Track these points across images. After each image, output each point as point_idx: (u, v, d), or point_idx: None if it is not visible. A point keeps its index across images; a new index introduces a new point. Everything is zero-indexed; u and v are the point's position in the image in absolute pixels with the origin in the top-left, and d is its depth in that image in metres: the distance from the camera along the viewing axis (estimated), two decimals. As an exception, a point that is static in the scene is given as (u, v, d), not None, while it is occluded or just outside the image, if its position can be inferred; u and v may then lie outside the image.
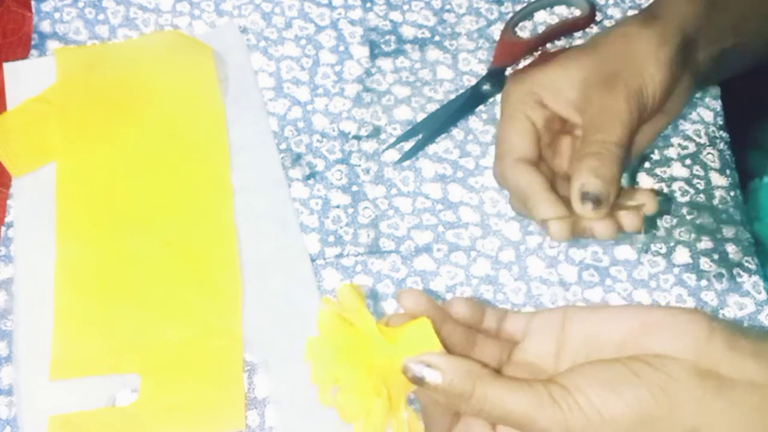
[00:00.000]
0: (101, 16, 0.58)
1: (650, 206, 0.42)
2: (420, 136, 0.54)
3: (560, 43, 0.57)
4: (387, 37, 0.57)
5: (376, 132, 0.54)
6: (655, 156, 0.53)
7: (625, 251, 0.50)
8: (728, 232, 0.50)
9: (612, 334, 0.36)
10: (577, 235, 0.42)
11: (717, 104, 0.55)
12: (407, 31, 0.58)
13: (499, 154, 0.46)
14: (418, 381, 0.34)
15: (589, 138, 0.42)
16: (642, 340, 0.35)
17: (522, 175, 0.43)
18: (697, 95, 0.55)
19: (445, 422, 0.37)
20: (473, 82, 0.55)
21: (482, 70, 0.56)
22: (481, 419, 0.35)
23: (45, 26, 0.57)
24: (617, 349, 0.35)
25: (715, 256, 0.50)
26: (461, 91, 0.55)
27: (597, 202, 0.40)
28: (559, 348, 0.38)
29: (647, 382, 0.32)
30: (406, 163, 0.53)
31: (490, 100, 0.55)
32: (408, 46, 0.57)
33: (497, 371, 0.35)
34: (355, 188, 0.52)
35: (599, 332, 0.36)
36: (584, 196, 0.40)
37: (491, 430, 0.36)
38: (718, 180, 0.52)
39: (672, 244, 0.50)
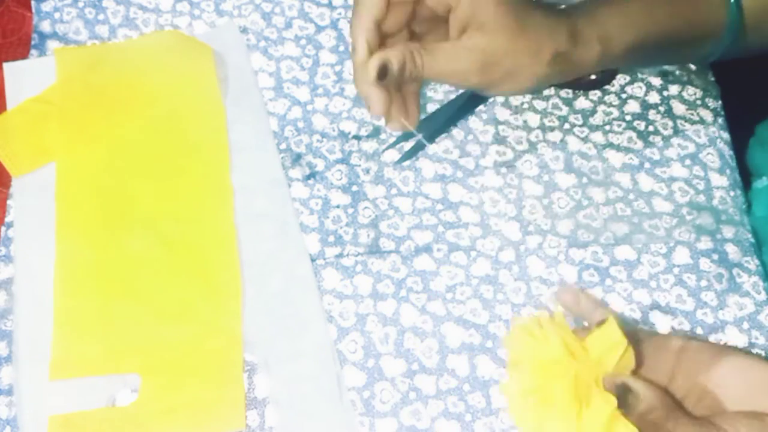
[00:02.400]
0: (101, 16, 0.58)
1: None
2: (420, 136, 0.54)
3: (560, 43, 0.57)
4: (387, 37, 0.57)
5: (376, 132, 0.54)
6: (655, 156, 0.53)
7: (625, 251, 0.50)
8: (728, 232, 0.50)
9: (734, 384, 0.39)
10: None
11: (717, 104, 0.55)
12: (407, 31, 0.58)
13: (354, 13, 0.45)
14: (618, 402, 0.36)
15: (432, 53, 0.44)
16: (757, 400, 0.38)
17: (359, 32, 0.44)
18: (698, 95, 0.55)
19: None
20: (473, 82, 0.55)
21: (482, 70, 0.56)
22: None
23: (45, 26, 0.57)
24: (738, 402, 0.38)
25: (715, 256, 0.50)
26: (461, 91, 0.55)
27: (383, 74, 0.42)
28: (673, 377, 0.40)
29: None
30: (406, 163, 0.53)
31: (490, 100, 0.55)
32: (408, 46, 0.57)
33: None
34: (355, 188, 0.52)
35: (720, 378, 0.39)
36: (382, 64, 0.42)
37: None
38: (718, 180, 0.52)
39: (672, 244, 0.50)
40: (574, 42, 0.45)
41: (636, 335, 0.41)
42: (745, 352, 0.46)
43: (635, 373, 0.39)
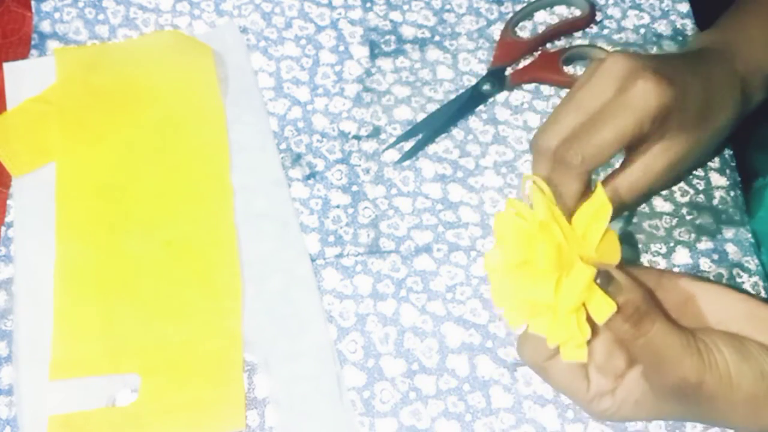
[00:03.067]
0: (101, 16, 0.58)
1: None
2: (420, 136, 0.54)
3: (560, 43, 0.57)
4: (387, 37, 0.57)
5: (376, 132, 0.54)
6: (655, 156, 0.53)
7: (624, 251, 0.50)
8: (728, 232, 0.50)
9: (714, 311, 0.39)
10: None
11: (717, 104, 0.55)
12: (407, 31, 0.58)
13: (587, 151, 0.41)
14: (602, 285, 0.36)
15: (622, 180, 0.42)
16: (747, 328, 0.38)
17: (576, 186, 0.41)
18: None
19: None
20: (473, 82, 0.55)
21: (482, 70, 0.56)
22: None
23: (45, 26, 0.57)
24: (717, 325, 0.38)
25: (715, 256, 0.50)
26: (461, 91, 0.55)
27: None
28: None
29: (766, 361, 0.36)
30: (406, 163, 0.53)
31: (490, 100, 0.55)
32: (408, 46, 0.57)
33: None
34: (355, 188, 0.52)
35: (701, 304, 0.39)
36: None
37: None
38: (718, 180, 0.52)
39: (672, 244, 0.50)
40: (746, 102, 0.45)
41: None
42: (724, 284, 0.47)
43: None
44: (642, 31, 0.57)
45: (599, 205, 0.38)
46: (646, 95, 0.40)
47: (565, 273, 0.36)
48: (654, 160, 0.42)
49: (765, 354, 0.36)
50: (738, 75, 0.45)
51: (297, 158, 0.53)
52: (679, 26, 0.57)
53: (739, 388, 0.35)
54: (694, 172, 0.52)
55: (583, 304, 0.36)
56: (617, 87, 0.41)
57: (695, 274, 0.47)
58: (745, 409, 0.36)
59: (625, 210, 0.44)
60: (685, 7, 0.58)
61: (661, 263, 0.49)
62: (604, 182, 0.43)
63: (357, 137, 0.54)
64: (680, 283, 0.40)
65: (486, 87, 0.55)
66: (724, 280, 0.49)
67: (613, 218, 0.39)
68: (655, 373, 0.36)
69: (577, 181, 0.40)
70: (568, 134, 0.41)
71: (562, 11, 0.58)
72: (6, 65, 0.56)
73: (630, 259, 0.50)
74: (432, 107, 0.55)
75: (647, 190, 0.43)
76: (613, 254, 0.38)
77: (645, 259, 0.50)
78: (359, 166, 0.53)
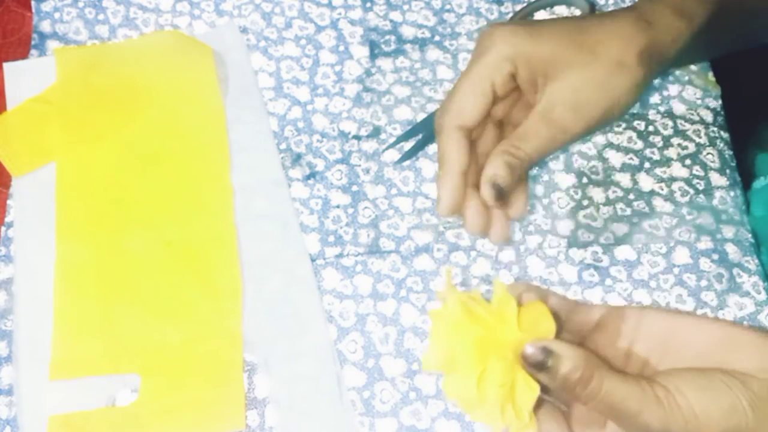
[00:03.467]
0: (101, 16, 0.58)
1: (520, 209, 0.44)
2: (420, 136, 0.54)
3: (560, 43, 0.57)
4: (387, 37, 0.57)
5: (376, 132, 0.54)
6: (655, 156, 0.53)
7: (625, 251, 0.50)
8: (728, 232, 0.50)
9: (692, 343, 0.37)
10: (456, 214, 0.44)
11: (717, 104, 0.55)
12: (407, 31, 0.58)
13: (444, 107, 0.44)
14: (539, 366, 0.35)
15: (519, 141, 0.42)
16: (726, 355, 0.36)
17: (452, 145, 0.43)
18: (698, 95, 0.55)
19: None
20: (473, 82, 0.55)
21: (482, 70, 0.56)
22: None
23: (45, 26, 0.57)
24: (698, 358, 0.36)
25: (715, 256, 0.50)
26: (461, 91, 0.55)
27: (500, 193, 0.41)
28: (632, 345, 0.39)
29: (739, 395, 0.34)
30: (406, 163, 0.53)
31: (490, 100, 0.55)
32: (408, 46, 0.57)
33: None
34: (355, 188, 0.52)
35: (678, 339, 0.38)
36: (494, 186, 0.41)
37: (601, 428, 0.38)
38: (718, 180, 0.52)
39: (672, 244, 0.50)
40: (653, 28, 0.42)
41: (582, 308, 0.40)
42: (703, 315, 0.46)
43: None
44: (642, 31, 0.57)
45: (501, 296, 0.37)
46: (490, 39, 0.43)
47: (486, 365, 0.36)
48: (544, 105, 0.42)
49: (738, 386, 0.34)
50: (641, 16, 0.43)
51: (297, 158, 0.53)
52: (679, 26, 0.57)
53: (708, 427, 0.34)
54: (694, 172, 0.52)
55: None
56: (475, 47, 0.44)
57: (674, 308, 0.47)
58: None
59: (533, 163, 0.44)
60: (685, 7, 0.58)
61: (661, 263, 0.49)
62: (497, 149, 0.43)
63: (357, 137, 0.54)
64: (660, 319, 0.38)
65: (486, 87, 0.55)
66: (724, 280, 0.49)
67: (515, 217, 0.42)
68: (621, 426, 0.36)
69: (446, 138, 0.43)
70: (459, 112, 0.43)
71: (562, 11, 0.58)
72: (6, 65, 0.56)
73: (631, 259, 0.50)
74: (432, 107, 0.55)
75: (550, 136, 0.42)
76: (546, 326, 0.37)
77: (645, 259, 0.50)
78: (359, 166, 0.53)
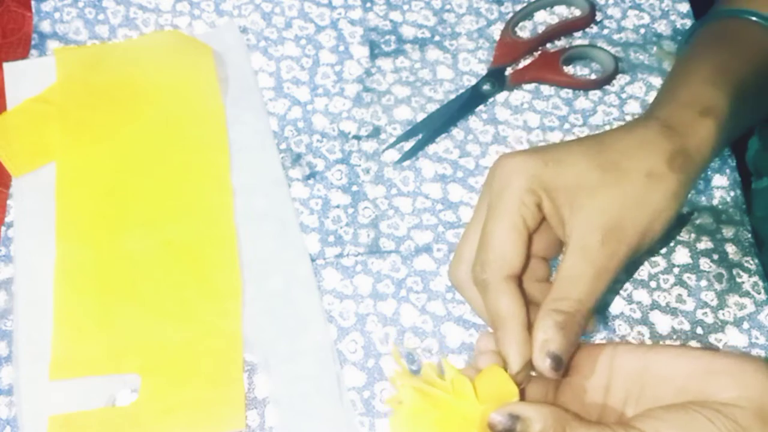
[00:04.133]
0: (101, 16, 0.58)
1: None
2: (420, 136, 0.54)
3: (560, 43, 0.57)
4: (387, 37, 0.57)
5: (376, 132, 0.54)
6: (655, 156, 0.53)
7: (625, 251, 0.50)
8: (728, 232, 0.50)
9: (671, 377, 0.36)
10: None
11: (717, 104, 0.55)
12: (407, 31, 0.58)
13: (486, 258, 0.39)
14: (510, 426, 0.34)
15: (565, 290, 0.38)
16: (705, 386, 0.35)
17: (506, 299, 0.38)
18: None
19: None
20: (473, 82, 0.55)
21: (482, 70, 0.56)
22: None
23: (45, 26, 0.57)
24: (678, 392, 0.35)
25: (715, 256, 0.50)
26: (461, 91, 0.55)
27: (558, 362, 0.37)
28: (609, 383, 0.38)
29: (722, 428, 0.33)
30: (406, 163, 0.53)
31: (490, 100, 0.55)
32: (408, 46, 0.57)
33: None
34: (355, 188, 0.52)
35: (656, 374, 0.36)
36: (548, 354, 0.37)
37: None
38: (718, 180, 0.52)
39: (672, 244, 0.50)
40: (680, 134, 0.39)
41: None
42: (684, 345, 0.45)
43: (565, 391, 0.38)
44: (642, 31, 0.57)
45: (454, 376, 0.37)
46: (506, 173, 0.38)
47: None
48: (578, 237, 0.38)
49: (720, 419, 0.33)
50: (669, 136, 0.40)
51: (297, 158, 0.53)
52: (679, 26, 0.57)
53: None
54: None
55: None
56: (489, 184, 0.40)
57: (650, 342, 0.46)
58: None
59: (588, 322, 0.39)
60: (685, 7, 0.58)
61: (661, 263, 0.49)
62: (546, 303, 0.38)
63: (357, 137, 0.54)
64: (635, 355, 0.37)
65: (486, 87, 0.55)
66: (724, 280, 0.49)
67: (585, 334, 0.37)
68: None
69: (496, 294, 0.38)
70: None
71: (562, 11, 0.58)
72: (6, 65, 0.56)
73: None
74: (432, 107, 0.55)
75: (594, 272, 0.37)
76: (507, 390, 0.36)
77: (645, 258, 0.50)
78: (359, 166, 0.53)
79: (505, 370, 0.37)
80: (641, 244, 0.38)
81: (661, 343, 0.47)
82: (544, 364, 0.36)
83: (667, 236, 0.46)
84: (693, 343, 0.47)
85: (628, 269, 0.49)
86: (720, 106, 0.41)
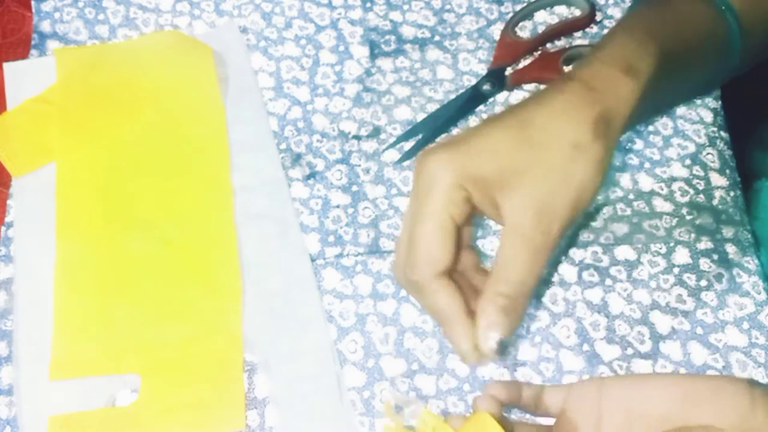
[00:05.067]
0: (101, 16, 0.58)
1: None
2: (420, 136, 0.54)
3: (560, 43, 0.57)
4: (387, 37, 0.57)
5: (376, 132, 0.54)
6: (656, 156, 0.53)
7: (625, 251, 0.50)
8: (728, 232, 0.50)
9: (654, 406, 0.36)
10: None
11: (717, 104, 0.55)
12: (407, 31, 0.58)
13: (414, 261, 0.39)
14: None
15: (504, 272, 0.38)
16: (687, 412, 0.35)
17: (441, 296, 0.39)
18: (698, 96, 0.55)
19: None
20: (473, 82, 0.55)
21: (482, 70, 0.56)
22: None
23: (45, 26, 0.57)
24: (661, 422, 0.36)
25: (715, 256, 0.50)
26: (461, 91, 0.55)
27: (503, 346, 0.37)
28: (599, 421, 0.38)
29: None
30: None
31: (490, 100, 0.55)
32: (408, 46, 0.57)
33: None
34: (355, 188, 0.52)
35: (641, 405, 0.37)
36: (493, 338, 0.37)
37: None
38: (718, 180, 0.52)
39: (672, 244, 0.50)
40: (601, 96, 0.39)
41: (547, 392, 0.40)
42: (666, 373, 0.46)
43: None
44: (642, 31, 0.57)
45: (436, 425, 0.38)
46: (435, 169, 0.38)
47: None
48: (511, 221, 0.38)
49: None
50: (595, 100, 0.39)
51: (297, 158, 0.53)
52: (679, 26, 0.57)
53: None
54: (694, 172, 0.52)
55: None
56: (415, 183, 0.40)
57: (633, 373, 0.46)
58: None
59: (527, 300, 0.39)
60: (685, 7, 0.58)
61: (661, 263, 0.49)
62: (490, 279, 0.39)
63: (357, 137, 0.54)
64: (620, 388, 0.38)
65: (486, 87, 0.55)
66: (724, 280, 0.49)
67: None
68: None
69: (430, 293, 0.38)
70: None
71: (562, 11, 0.58)
72: (6, 65, 0.56)
73: (631, 259, 0.50)
74: (432, 107, 0.55)
75: (531, 252, 0.38)
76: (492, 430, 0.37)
77: (645, 258, 0.50)
78: (359, 166, 0.53)
79: (494, 416, 0.38)
80: (573, 217, 0.38)
81: (661, 343, 0.47)
82: (490, 350, 0.37)
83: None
84: (693, 344, 0.47)
85: (568, 239, 0.49)
86: (643, 66, 0.40)
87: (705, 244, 0.50)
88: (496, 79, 0.55)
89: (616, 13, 0.58)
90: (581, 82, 0.39)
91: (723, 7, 0.45)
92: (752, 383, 0.35)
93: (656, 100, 0.43)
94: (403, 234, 0.40)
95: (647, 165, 0.53)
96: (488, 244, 0.50)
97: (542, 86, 0.54)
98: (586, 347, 0.47)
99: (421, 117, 0.54)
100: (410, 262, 0.39)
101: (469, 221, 0.41)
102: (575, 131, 0.38)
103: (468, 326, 0.38)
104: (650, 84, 0.40)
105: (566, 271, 0.49)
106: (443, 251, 0.38)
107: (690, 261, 0.50)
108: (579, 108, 0.38)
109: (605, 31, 0.57)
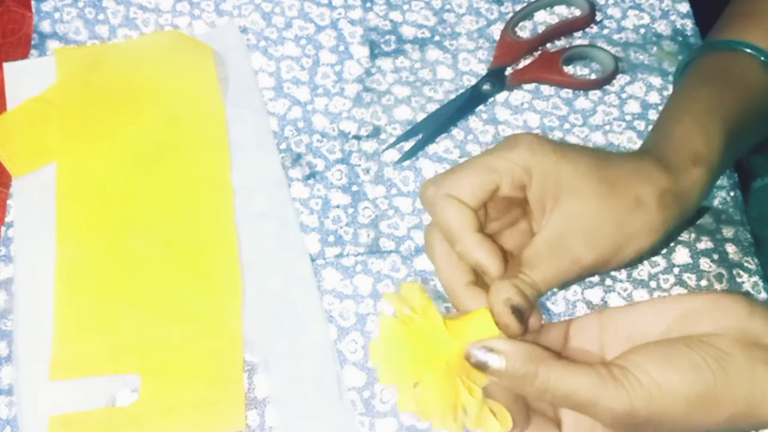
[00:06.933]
0: (101, 16, 0.58)
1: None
2: (420, 136, 0.54)
3: (560, 43, 0.57)
4: (387, 37, 0.57)
5: (376, 132, 0.54)
6: (655, 156, 0.53)
7: (625, 251, 0.50)
8: (728, 232, 0.50)
9: (655, 326, 0.37)
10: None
11: (717, 104, 0.55)
12: (407, 31, 0.58)
13: (439, 180, 0.40)
14: (482, 366, 0.35)
15: (529, 264, 0.38)
16: (686, 325, 0.36)
17: (451, 210, 0.39)
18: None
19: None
20: (473, 82, 0.55)
21: (482, 70, 0.56)
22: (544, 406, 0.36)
23: (45, 26, 0.57)
24: (663, 337, 0.36)
25: (715, 256, 0.50)
26: (461, 91, 0.55)
27: (522, 317, 0.37)
28: (602, 349, 0.38)
29: (702, 354, 0.33)
30: (406, 163, 0.53)
31: (490, 100, 0.55)
32: (408, 46, 0.57)
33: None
34: (355, 188, 0.52)
35: (642, 327, 0.37)
36: (514, 309, 0.37)
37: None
38: (718, 180, 0.52)
39: (672, 244, 0.50)
40: (674, 174, 0.40)
41: (547, 329, 0.40)
42: (663, 297, 0.46)
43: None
44: (642, 31, 0.57)
45: (485, 329, 0.37)
46: (517, 141, 0.39)
47: (455, 387, 0.36)
48: (554, 231, 0.39)
49: (700, 345, 0.34)
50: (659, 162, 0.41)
51: (297, 158, 0.53)
52: (679, 26, 0.57)
53: (675, 393, 0.33)
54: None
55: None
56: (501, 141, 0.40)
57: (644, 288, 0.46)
58: (696, 414, 0.33)
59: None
60: (685, 7, 0.58)
61: (661, 263, 0.49)
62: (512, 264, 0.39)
63: (357, 137, 0.54)
64: (618, 316, 0.38)
65: (486, 87, 0.55)
66: (724, 280, 0.49)
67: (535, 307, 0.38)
68: (593, 418, 0.35)
69: (450, 207, 0.38)
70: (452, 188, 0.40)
71: (562, 11, 0.58)
72: (6, 65, 0.56)
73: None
74: (432, 107, 0.55)
75: (557, 267, 0.38)
76: (490, 331, 0.37)
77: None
78: (359, 166, 0.53)
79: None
80: (609, 261, 0.39)
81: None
82: (510, 318, 0.37)
83: (635, 262, 0.47)
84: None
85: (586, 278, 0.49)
86: (711, 153, 0.42)
87: (705, 244, 0.50)
88: (496, 79, 0.55)
89: (616, 13, 0.58)
90: (656, 159, 0.41)
91: (765, 60, 0.46)
92: (749, 297, 0.36)
93: (725, 167, 0.44)
94: (467, 166, 0.40)
95: (647, 165, 0.53)
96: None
97: (542, 86, 0.55)
98: (586, 347, 0.47)
99: (421, 117, 0.54)
100: (438, 180, 0.39)
101: (503, 221, 0.42)
102: (643, 190, 0.39)
103: (481, 237, 0.38)
104: (718, 165, 0.42)
105: (566, 271, 0.49)
106: (470, 185, 0.39)
107: (690, 261, 0.50)
108: (651, 174, 0.40)
109: (605, 31, 0.57)
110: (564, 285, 0.39)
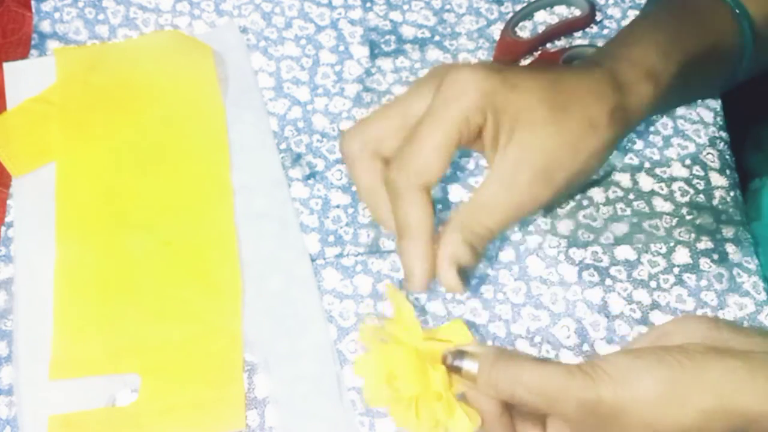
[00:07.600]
0: (101, 16, 0.58)
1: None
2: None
3: (560, 43, 0.57)
4: (387, 37, 0.57)
5: (376, 132, 0.54)
6: (656, 156, 0.53)
7: (625, 251, 0.50)
8: (728, 232, 0.50)
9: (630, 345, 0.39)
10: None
11: (717, 104, 0.55)
12: (407, 31, 0.58)
13: (407, 163, 0.39)
14: (456, 370, 0.36)
15: (480, 214, 0.38)
16: (659, 342, 0.37)
17: (416, 209, 0.38)
18: (697, 95, 0.55)
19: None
20: (473, 82, 0.55)
21: (482, 70, 0.56)
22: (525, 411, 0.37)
23: (45, 26, 0.57)
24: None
25: (715, 256, 0.50)
26: (461, 91, 0.55)
27: (464, 275, 0.38)
28: None
29: (671, 350, 0.34)
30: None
31: (490, 100, 0.55)
32: (408, 46, 0.57)
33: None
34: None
35: None
36: (457, 266, 0.38)
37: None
38: (718, 180, 0.52)
39: (672, 244, 0.50)
40: (624, 90, 0.41)
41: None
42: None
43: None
44: (642, 31, 0.57)
45: (460, 337, 0.40)
46: (462, 83, 0.38)
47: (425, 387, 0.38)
48: (509, 168, 0.38)
49: (673, 351, 0.34)
50: (614, 75, 0.42)
51: (297, 158, 0.53)
52: (679, 26, 0.57)
53: (643, 384, 0.33)
54: (694, 172, 0.52)
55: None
56: (436, 86, 0.39)
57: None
58: (664, 407, 0.33)
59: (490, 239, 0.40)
60: (685, 7, 0.58)
61: (661, 263, 0.49)
62: (458, 211, 0.39)
63: (357, 137, 0.54)
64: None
65: (486, 87, 0.55)
66: (724, 280, 0.49)
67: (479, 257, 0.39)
68: (562, 414, 0.35)
69: (409, 201, 0.38)
70: (376, 141, 0.40)
71: (562, 11, 0.58)
72: (6, 65, 0.56)
73: (631, 259, 0.50)
74: (432, 107, 0.55)
75: (515, 206, 0.38)
76: (464, 337, 0.39)
77: (645, 258, 0.50)
78: (359, 166, 0.53)
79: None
80: (566, 188, 0.39)
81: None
82: (449, 276, 0.38)
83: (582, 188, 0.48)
84: (693, 343, 0.47)
85: (569, 240, 0.50)
86: (664, 74, 0.43)
87: (705, 244, 0.50)
88: (496, 79, 0.55)
89: (616, 13, 0.58)
90: (608, 72, 0.41)
91: (737, 11, 0.46)
92: (717, 317, 0.38)
93: (668, 101, 0.45)
94: (386, 111, 0.41)
95: (647, 165, 0.53)
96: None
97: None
98: (586, 347, 0.47)
99: (421, 117, 0.54)
100: (403, 162, 0.39)
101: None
102: (595, 110, 0.39)
103: (429, 247, 0.39)
104: (667, 89, 0.42)
105: (566, 271, 0.49)
106: (438, 165, 0.38)
107: (690, 261, 0.50)
108: (603, 91, 0.40)
109: (605, 31, 0.57)
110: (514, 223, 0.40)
